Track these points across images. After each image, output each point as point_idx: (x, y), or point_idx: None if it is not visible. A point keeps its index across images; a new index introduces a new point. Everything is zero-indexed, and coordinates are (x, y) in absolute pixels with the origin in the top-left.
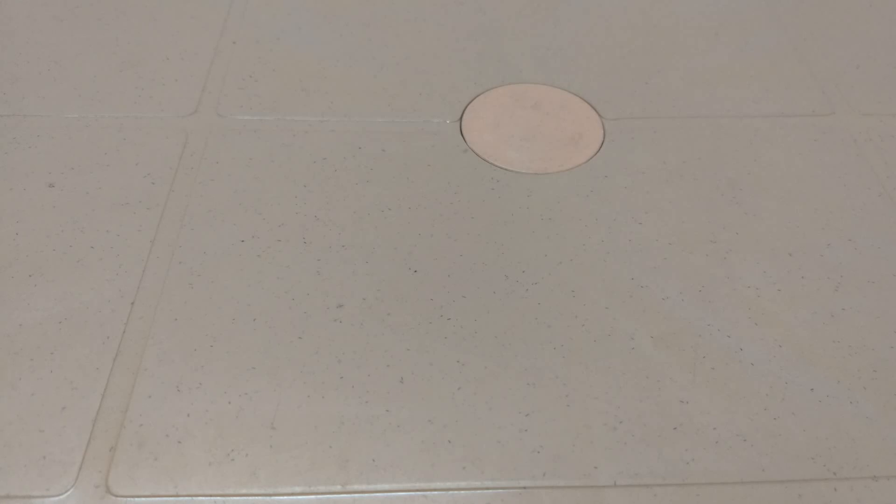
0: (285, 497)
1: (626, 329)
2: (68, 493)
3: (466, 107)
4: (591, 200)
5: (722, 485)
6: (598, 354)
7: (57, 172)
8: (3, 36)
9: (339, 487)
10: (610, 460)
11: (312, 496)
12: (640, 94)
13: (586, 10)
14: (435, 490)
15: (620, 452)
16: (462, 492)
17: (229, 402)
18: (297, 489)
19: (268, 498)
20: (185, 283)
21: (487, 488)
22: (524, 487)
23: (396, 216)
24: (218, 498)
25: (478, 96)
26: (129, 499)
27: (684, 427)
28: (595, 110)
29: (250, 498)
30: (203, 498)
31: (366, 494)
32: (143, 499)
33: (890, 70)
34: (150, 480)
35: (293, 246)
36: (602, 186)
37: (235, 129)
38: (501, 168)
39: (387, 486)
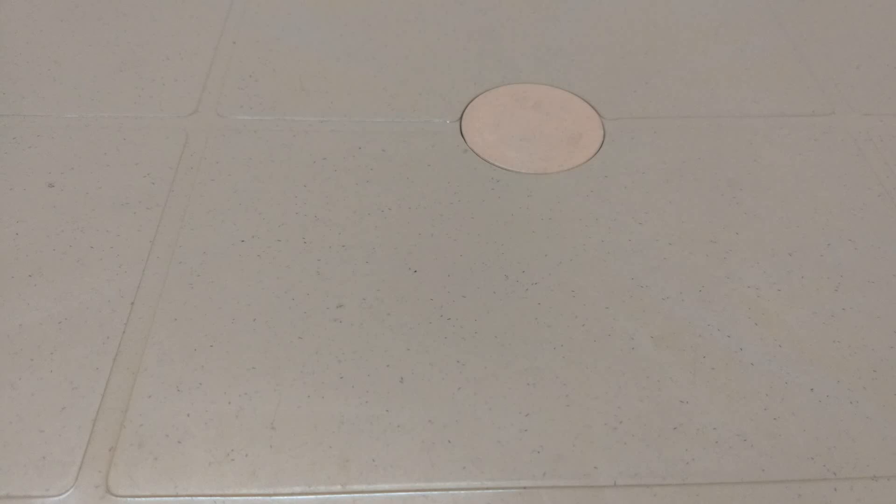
0: (285, 497)
1: (626, 329)
2: (68, 493)
3: (466, 107)
4: (591, 200)
5: (722, 485)
6: (598, 354)
7: (57, 172)
8: (3, 36)
9: (339, 487)
10: (610, 460)
11: (312, 496)
12: (640, 94)
13: (586, 9)
14: (435, 490)
15: (620, 452)
16: (462, 492)
17: (229, 402)
18: (297, 489)
19: (268, 498)
20: (185, 283)
21: (487, 488)
22: (524, 487)
23: (396, 216)
24: (218, 498)
25: (478, 96)
26: (128, 499)
27: (684, 427)
28: (595, 110)
29: (250, 498)
30: (203, 498)
31: (366, 494)
32: (143, 499)
33: (890, 70)
34: (150, 480)
35: (293, 246)
36: (602, 186)
37: (235, 129)
38: (501, 168)
39: (387, 486)
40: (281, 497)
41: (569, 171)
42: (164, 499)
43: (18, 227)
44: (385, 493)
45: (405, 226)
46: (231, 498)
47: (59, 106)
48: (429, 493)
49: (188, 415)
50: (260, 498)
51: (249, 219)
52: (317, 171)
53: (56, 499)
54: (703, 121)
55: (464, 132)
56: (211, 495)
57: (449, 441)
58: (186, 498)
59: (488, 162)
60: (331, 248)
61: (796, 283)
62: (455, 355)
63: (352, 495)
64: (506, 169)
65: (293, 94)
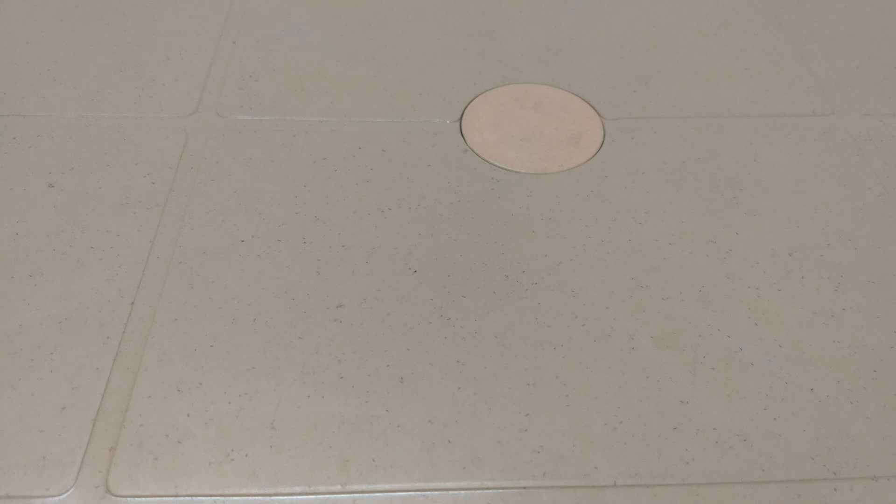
0: (285, 497)
1: (626, 329)
2: (68, 493)
3: (466, 107)
4: (591, 200)
5: (722, 485)
6: (598, 354)
7: (57, 172)
8: (3, 36)
9: (339, 487)
10: (610, 460)
11: (312, 496)
12: (640, 94)
13: (586, 9)
14: (435, 490)
15: (620, 452)
16: (462, 492)
17: (229, 402)
18: (297, 489)
19: (268, 498)
20: (185, 283)
21: (487, 488)
22: (524, 487)
23: (396, 216)
24: (218, 498)
25: (478, 96)
26: (128, 499)
27: (684, 427)
28: (595, 110)
29: (250, 498)
30: (203, 498)
31: (366, 494)
32: (143, 499)
33: (890, 70)
34: (150, 480)
35: (293, 246)
36: (602, 186)
37: (235, 129)
38: (501, 168)
39: (387, 486)
40: (281, 497)
41: (569, 171)
42: (164, 499)
43: (18, 227)
44: (385, 493)
45: (405, 226)
46: (231, 498)
47: (59, 106)
48: (429, 493)
49: (188, 415)
50: (260, 498)
51: (249, 219)
52: (317, 171)
53: (56, 499)
54: (703, 121)
55: (464, 132)
56: (211, 495)
57: (449, 441)
58: (186, 498)
59: (488, 162)
60: (331, 248)
61: (796, 283)
62: (455, 355)
63: (352, 495)
64: (506, 169)
65: (293, 94)
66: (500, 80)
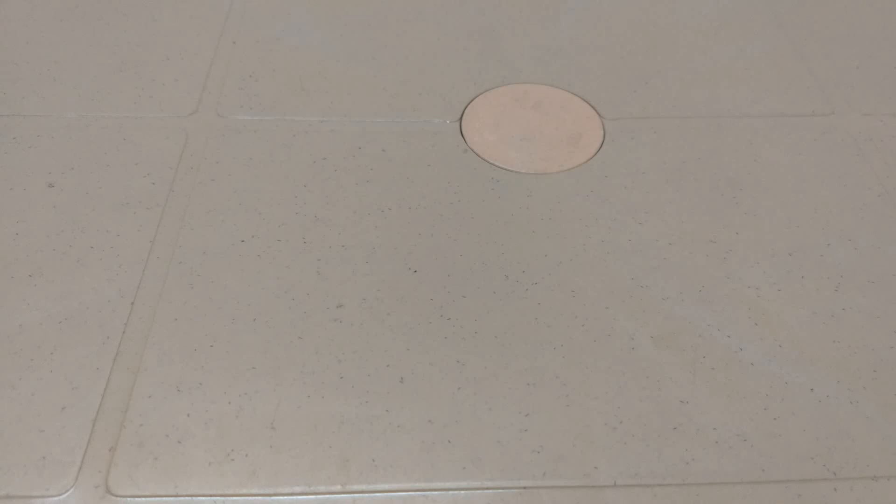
0: (285, 497)
1: (626, 329)
2: (68, 493)
3: (466, 107)
4: (591, 200)
5: (722, 485)
6: (598, 354)
7: (57, 172)
8: (3, 36)
9: (339, 487)
10: (610, 460)
11: (312, 496)
12: (640, 94)
13: (586, 9)
14: (435, 490)
15: (620, 452)
16: (462, 492)
17: (229, 402)
18: (297, 489)
19: (268, 498)
20: (185, 283)
21: (487, 488)
22: (524, 487)
23: (396, 216)
24: (218, 498)
25: (478, 96)
26: (128, 499)
27: (684, 427)
28: (595, 110)
29: (250, 498)
30: (203, 498)
31: (366, 494)
32: (143, 499)
33: (890, 70)
34: (150, 480)
35: (293, 246)
36: (602, 186)
37: (235, 129)
38: (501, 168)
39: (387, 486)
40: (281, 497)
41: (569, 171)
42: (164, 499)
43: (18, 227)
44: (385, 493)
45: (405, 226)
46: (231, 498)
47: (59, 106)
48: (429, 493)
49: (188, 415)
50: (260, 498)
51: (249, 219)
52: (317, 171)
53: (56, 499)
54: (703, 121)
55: (464, 132)
56: (211, 495)
57: (449, 441)
58: (186, 498)
59: (488, 162)
60: (331, 248)
61: (796, 283)
62: (455, 355)
63: (352, 495)
64: (506, 169)
65: (293, 94)
66: (500, 80)
